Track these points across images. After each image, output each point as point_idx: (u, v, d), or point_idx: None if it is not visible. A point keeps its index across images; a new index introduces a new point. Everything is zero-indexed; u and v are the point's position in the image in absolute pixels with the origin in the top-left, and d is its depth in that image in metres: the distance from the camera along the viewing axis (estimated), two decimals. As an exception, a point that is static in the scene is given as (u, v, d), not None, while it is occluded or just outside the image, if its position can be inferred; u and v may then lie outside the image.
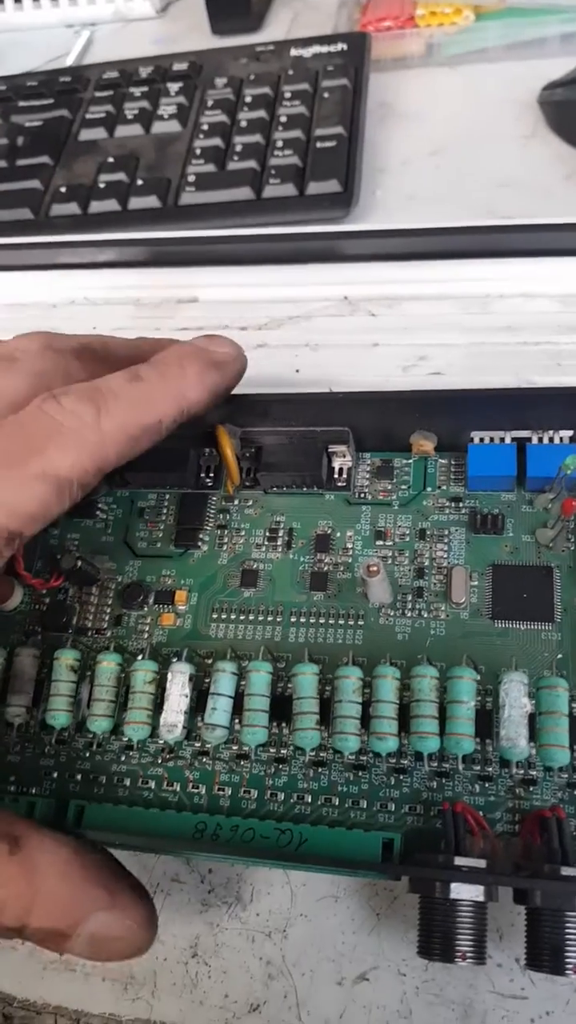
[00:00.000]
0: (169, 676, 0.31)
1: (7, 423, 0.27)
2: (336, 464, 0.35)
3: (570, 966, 0.26)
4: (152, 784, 0.31)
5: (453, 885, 0.26)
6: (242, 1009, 0.30)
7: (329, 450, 0.35)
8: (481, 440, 0.34)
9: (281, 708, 0.31)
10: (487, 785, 0.30)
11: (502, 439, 0.33)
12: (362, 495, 0.35)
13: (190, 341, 0.32)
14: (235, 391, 0.35)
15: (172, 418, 0.30)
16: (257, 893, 0.32)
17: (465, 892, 0.26)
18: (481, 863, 0.27)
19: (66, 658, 0.32)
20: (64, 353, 0.31)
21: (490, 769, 0.30)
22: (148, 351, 0.32)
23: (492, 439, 0.34)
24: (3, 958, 0.32)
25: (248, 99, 0.55)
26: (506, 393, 0.34)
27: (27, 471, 0.26)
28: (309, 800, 0.30)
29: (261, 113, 0.54)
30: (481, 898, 0.26)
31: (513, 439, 0.33)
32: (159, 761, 0.32)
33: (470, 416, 0.34)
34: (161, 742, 0.31)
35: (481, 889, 0.26)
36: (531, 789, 0.29)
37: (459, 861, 0.27)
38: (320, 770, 0.31)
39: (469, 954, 0.26)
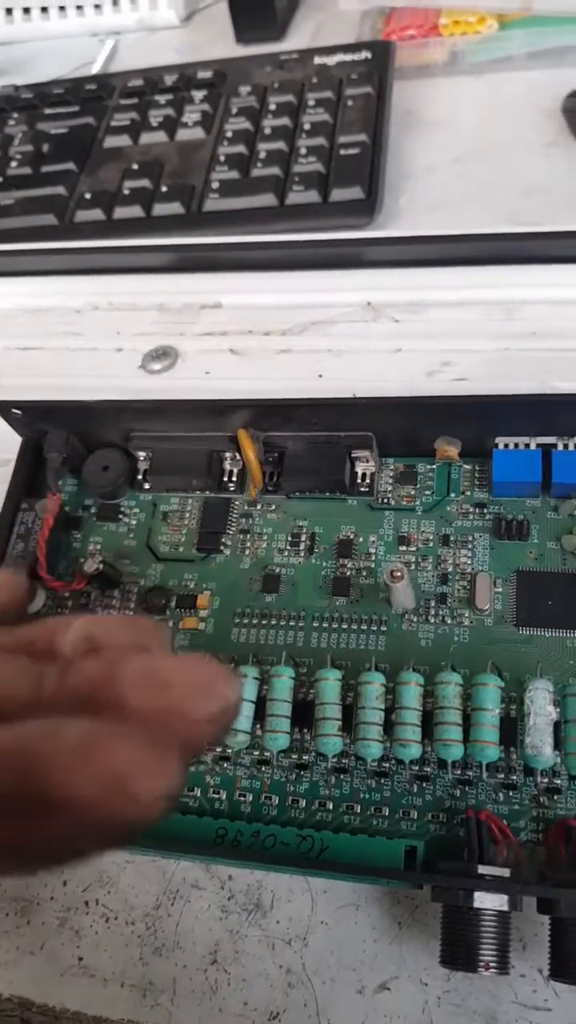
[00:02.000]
0: (191, 680, 0.31)
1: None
2: (359, 469, 0.35)
3: (596, 977, 0.25)
4: (173, 788, 0.31)
5: (476, 894, 0.26)
6: (262, 1017, 0.30)
7: (352, 455, 0.35)
8: (506, 446, 0.34)
9: (303, 713, 0.31)
10: (511, 793, 0.29)
11: (527, 445, 0.33)
12: (385, 500, 0.35)
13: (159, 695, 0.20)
14: (259, 396, 0.35)
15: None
16: (277, 900, 0.31)
17: (489, 901, 0.26)
18: (505, 872, 0.27)
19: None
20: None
21: (514, 777, 0.29)
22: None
23: (517, 445, 0.33)
24: (23, 963, 0.32)
25: (272, 106, 0.56)
26: (532, 399, 0.33)
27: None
28: (331, 807, 0.30)
29: (285, 120, 0.54)
30: (505, 907, 0.26)
31: (538, 445, 0.33)
32: (180, 765, 0.32)
33: (495, 422, 0.33)
34: (182, 746, 0.31)
35: (505, 898, 0.26)
36: (556, 798, 0.29)
37: (483, 870, 0.26)
38: (342, 777, 0.30)
39: (492, 964, 0.26)
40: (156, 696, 0.19)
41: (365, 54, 0.57)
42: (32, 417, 0.37)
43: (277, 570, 0.35)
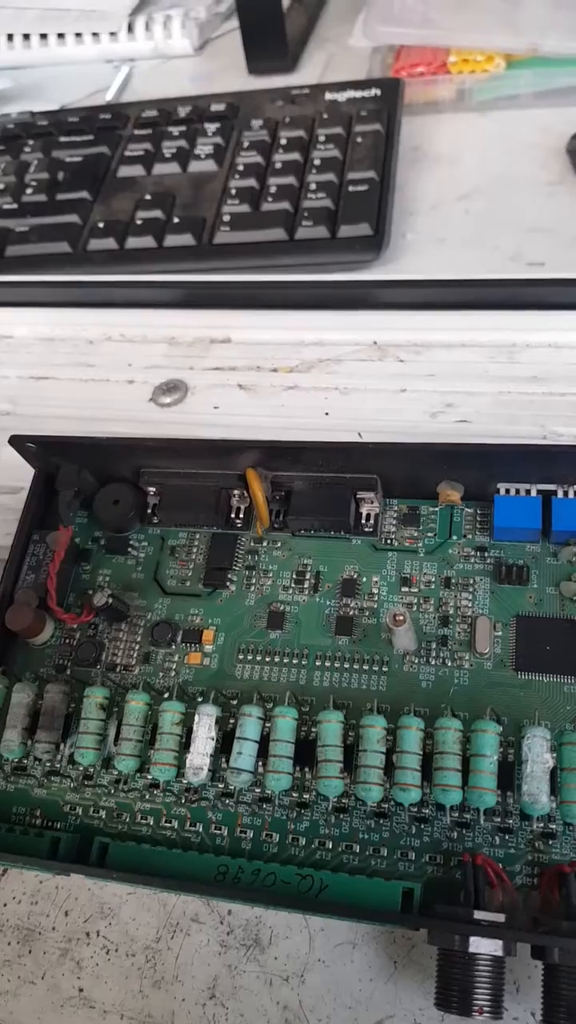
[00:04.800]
0: (196, 718, 0.31)
1: None
2: (364, 510, 0.36)
3: (587, 1025, 0.26)
4: (175, 824, 0.32)
5: (472, 939, 0.27)
6: (258, 1052, 0.30)
7: (357, 496, 0.36)
8: (507, 491, 0.34)
9: (305, 752, 0.31)
10: (507, 837, 0.30)
11: (528, 491, 0.34)
12: (389, 541, 0.36)
13: None
14: (267, 432, 0.35)
15: None
16: (276, 936, 0.32)
17: (484, 946, 0.27)
18: (500, 917, 0.27)
19: (96, 696, 0.33)
20: None
21: (511, 821, 0.30)
22: None
23: (518, 491, 0.34)
24: (23, 992, 0.32)
25: (283, 141, 0.57)
26: (533, 448, 0.34)
27: None
28: (330, 846, 0.31)
29: (295, 155, 0.55)
30: (499, 952, 0.27)
31: (539, 492, 0.34)
32: (183, 801, 0.32)
33: (497, 468, 0.34)
34: (186, 781, 0.32)
35: (499, 944, 0.27)
36: (551, 843, 0.29)
37: (478, 915, 0.27)
38: (342, 816, 0.31)
39: (486, 1008, 0.27)
40: None
41: (375, 91, 0.59)
42: (46, 451, 0.37)
43: (282, 607, 0.35)
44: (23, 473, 0.39)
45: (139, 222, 0.55)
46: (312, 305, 0.45)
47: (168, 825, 0.32)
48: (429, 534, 0.36)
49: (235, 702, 0.33)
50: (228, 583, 0.36)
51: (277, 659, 0.34)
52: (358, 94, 0.59)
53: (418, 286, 0.43)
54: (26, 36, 0.75)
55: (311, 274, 0.48)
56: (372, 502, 0.36)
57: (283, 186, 0.54)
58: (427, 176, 0.57)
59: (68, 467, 0.37)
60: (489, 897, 0.29)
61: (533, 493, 0.34)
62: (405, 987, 0.30)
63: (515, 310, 0.42)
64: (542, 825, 0.30)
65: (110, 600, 0.35)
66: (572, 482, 0.33)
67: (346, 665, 0.34)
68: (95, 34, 0.73)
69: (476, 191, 0.56)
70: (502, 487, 0.34)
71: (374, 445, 0.34)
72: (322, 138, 0.56)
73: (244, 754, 0.31)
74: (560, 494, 0.34)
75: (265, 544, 0.37)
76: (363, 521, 0.36)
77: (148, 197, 0.56)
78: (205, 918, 0.33)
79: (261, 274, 0.49)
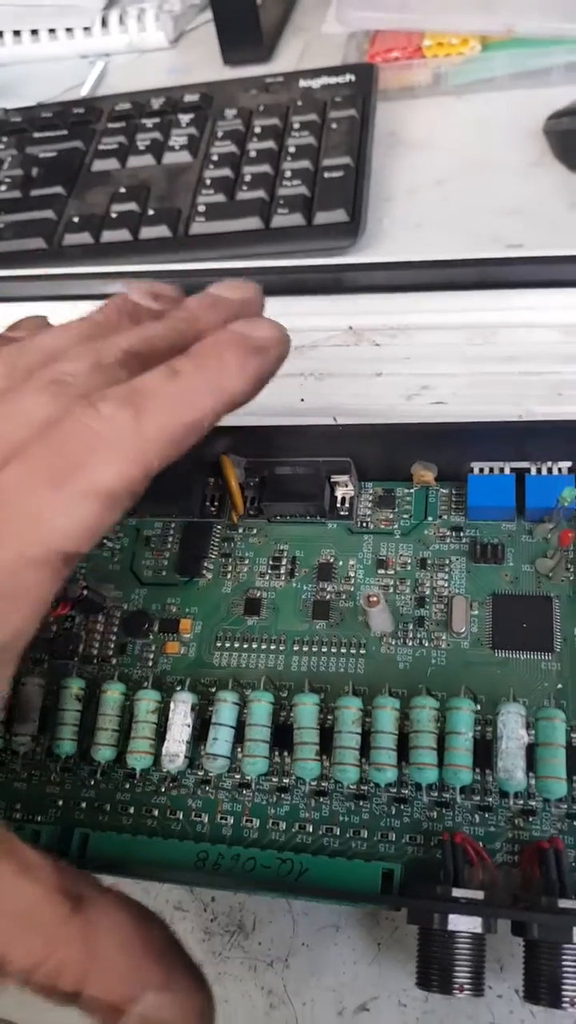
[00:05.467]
0: (172, 706, 0.31)
1: (49, 439, 0.25)
2: (339, 493, 0.36)
3: (567, 999, 0.26)
4: (155, 812, 0.32)
5: (451, 917, 0.26)
6: (243, 1038, 0.30)
7: (332, 480, 0.36)
8: (481, 471, 0.34)
9: (283, 736, 0.31)
10: (487, 815, 0.30)
11: (502, 469, 0.34)
12: (364, 524, 0.36)
13: (228, 328, 0.29)
14: (239, 422, 0.35)
15: (215, 412, 0.28)
16: (259, 922, 0.32)
17: (463, 924, 0.26)
18: (479, 895, 0.27)
19: (72, 687, 0.33)
20: (112, 367, 0.28)
21: (489, 799, 0.30)
22: (191, 336, 0.29)
23: (492, 470, 0.34)
24: (8, 986, 0.32)
25: (257, 129, 0.56)
26: (506, 425, 0.34)
27: (74, 489, 0.25)
28: (310, 829, 0.31)
29: (270, 143, 0.55)
30: (479, 930, 0.27)
31: (512, 470, 0.34)
32: (162, 790, 0.32)
33: (470, 447, 0.34)
34: (164, 771, 0.32)
35: (479, 921, 0.27)
36: (530, 820, 0.29)
37: (457, 893, 0.27)
38: (321, 800, 0.31)
39: (467, 986, 0.26)
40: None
41: (349, 77, 0.58)
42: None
43: (259, 594, 0.35)
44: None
45: (114, 215, 0.54)
46: (286, 291, 0.45)
47: (148, 814, 0.32)
48: (404, 516, 0.36)
49: (213, 689, 0.33)
50: (204, 571, 0.36)
51: (255, 645, 0.34)
52: (332, 80, 0.58)
53: (393, 268, 0.43)
54: None
55: (288, 261, 0.48)
56: (347, 485, 0.36)
57: (258, 175, 0.54)
58: (403, 161, 0.57)
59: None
60: (469, 875, 0.28)
61: (507, 471, 0.34)
62: (389, 968, 0.30)
63: (491, 289, 0.42)
64: (521, 803, 0.30)
65: (85, 591, 0.35)
66: (545, 459, 0.33)
67: (324, 649, 0.34)
68: (69, 29, 0.73)
69: (453, 175, 0.55)
70: (476, 466, 0.34)
71: (345, 427, 0.34)
72: (296, 125, 0.56)
73: (220, 739, 0.30)
74: (534, 471, 0.33)
75: (240, 531, 0.37)
76: (338, 505, 0.36)
77: (123, 190, 0.56)
78: (188, 905, 0.32)
79: (237, 263, 0.48)
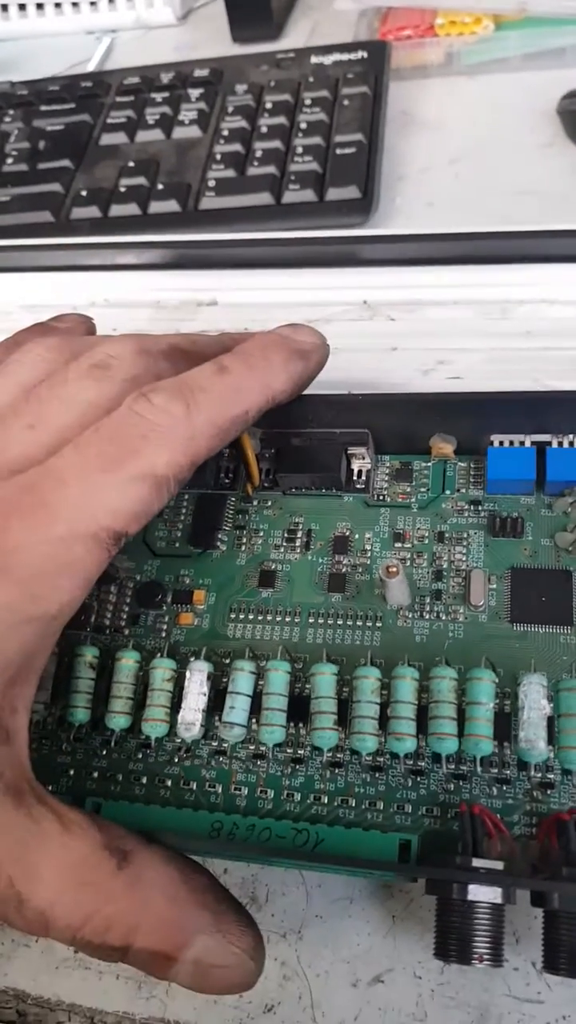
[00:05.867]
0: (187, 674, 0.31)
1: (103, 427, 0.27)
2: (355, 466, 0.36)
3: (588, 969, 0.25)
4: (168, 783, 0.31)
5: (471, 887, 0.26)
6: (256, 1009, 0.30)
7: (348, 452, 0.35)
8: (501, 443, 0.34)
9: (299, 709, 0.31)
10: (505, 788, 0.29)
11: (522, 442, 0.34)
12: (381, 497, 0.35)
13: (274, 330, 0.32)
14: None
15: (258, 407, 0.30)
16: (272, 894, 0.32)
17: (482, 894, 0.26)
18: (499, 865, 0.27)
19: (86, 655, 0.32)
20: (155, 355, 0.31)
21: (508, 772, 0.30)
22: (233, 345, 0.32)
23: (512, 442, 0.34)
24: (18, 955, 0.32)
25: (268, 105, 0.56)
26: (526, 396, 0.34)
27: (126, 473, 0.27)
28: (326, 801, 0.30)
29: (281, 119, 0.55)
30: (499, 900, 0.26)
31: (533, 443, 0.33)
32: (176, 760, 0.32)
33: (490, 419, 0.34)
34: (178, 741, 0.31)
35: (499, 891, 0.26)
36: (549, 792, 0.29)
37: (476, 863, 0.27)
38: (337, 771, 0.31)
39: (486, 956, 0.26)
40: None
41: (361, 54, 0.58)
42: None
43: (273, 566, 0.35)
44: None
45: (123, 189, 0.54)
46: (300, 264, 0.45)
47: (161, 784, 0.31)
48: (422, 489, 0.35)
49: (227, 661, 0.33)
50: (218, 543, 0.36)
51: (269, 617, 0.34)
52: (344, 57, 0.58)
53: (408, 240, 0.43)
54: (4, 7, 0.74)
55: (302, 232, 0.48)
56: (364, 458, 0.35)
57: (269, 150, 0.53)
58: (416, 140, 0.57)
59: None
60: (487, 847, 0.28)
61: (527, 444, 0.34)
62: (404, 941, 0.30)
63: (508, 264, 0.41)
64: (540, 775, 0.29)
65: (98, 561, 0.34)
66: (566, 431, 0.33)
67: (339, 622, 0.33)
68: (75, 4, 0.72)
69: (466, 155, 0.55)
70: (495, 439, 0.34)
71: (364, 397, 0.34)
72: (308, 101, 0.55)
73: (237, 708, 0.30)
74: (555, 444, 0.33)
75: (255, 503, 0.36)
76: (355, 478, 0.36)
77: (131, 164, 0.55)
78: (200, 878, 0.32)
79: (248, 234, 0.48)
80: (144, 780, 0.32)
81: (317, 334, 0.33)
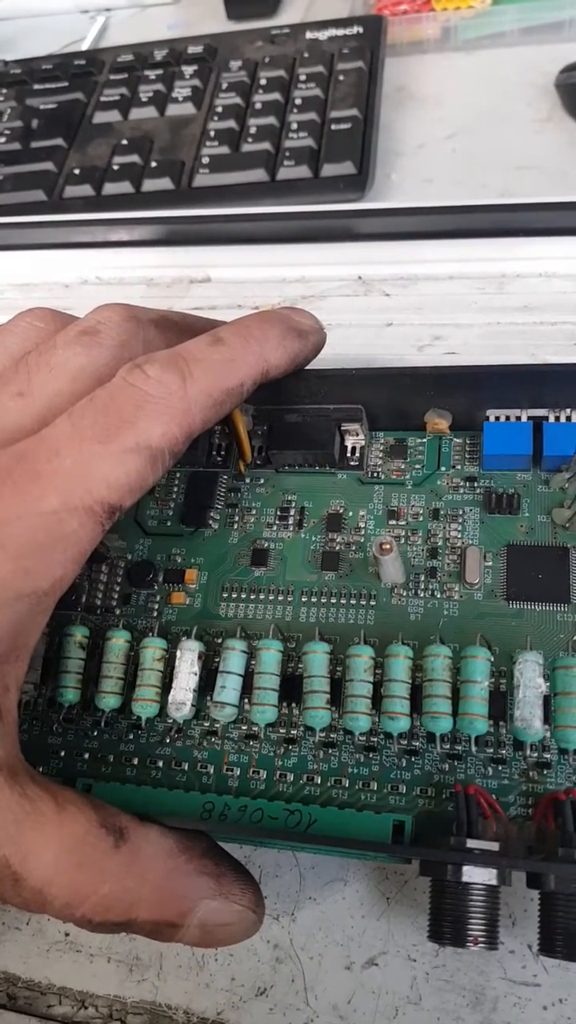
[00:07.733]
0: (178, 654, 0.30)
1: (96, 398, 0.27)
2: (349, 443, 0.35)
3: (584, 951, 0.25)
4: (160, 764, 0.31)
5: (465, 868, 0.26)
6: (249, 992, 0.30)
7: (342, 428, 0.35)
8: (497, 418, 0.33)
9: (291, 688, 0.30)
10: (500, 768, 0.29)
11: (518, 417, 0.33)
12: (375, 474, 0.35)
13: (272, 309, 0.32)
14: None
15: (253, 380, 0.30)
16: (265, 876, 0.31)
17: (477, 875, 0.26)
18: (494, 846, 0.26)
19: (76, 634, 0.32)
20: (144, 323, 0.30)
21: (503, 752, 0.29)
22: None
23: (508, 417, 0.33)
24: (8, 938, 0.32)
25: (263, 82, 0.55)
26: (522, 369, 0.33)
27: (121, 444, 0.26)
28: (319, 781, 0.30)
29: (276, 96, 0.54)
30: (494, 882, 0.26)
31: (529, 417, 0.33)
32: (167, 741, 0.31)
33: (486, 393, 0.33)
34: (169, 721, 0.31)
35: (494, 872, 0.26)
36: (545, 772, 0.29)
37: (471, 844, 0.26)
38: (330, 751, 0.30)
39: (481, 939, 0.26)
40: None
41: (357, 29, 0.57)
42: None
43: (266, 544, 0.34)
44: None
45: (116, 167, 0.53)
46: (294, 239, 0.44)
47: (153, 765, 0.31)
48: (417, 466, 0.35)
49: (219, 640, 0.32)
50: (210, 522, 0.35)
51: (262, 596, 0.33)
52: (339, 32, 0.57)
53: (404, 214, 0.42)
54: (-2, -15, 0.73)
55: (296, 207, 0.47)
56: (357, 434, 0.35)
57: (263, 127, 0.52)
58: (412, 116, 0.56)
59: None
60: (482, 828, 0.28)
61: (524, 419, 0.33)
62: (398, 923, 0.30)
63: (504, 237, 0.41)
64: (536, 754, 0.29)
65: (88, 540, 0.33)
66: (563, 405, 0.32)
67: (332, 600, 0.33)
68: (69, -18, 0.71)
69: (463, 130, 0.54)
70: (492, 414, 0.33)
71: (357, 371, 0.33)
72: (303, 77, 0.54)
73: (228, 687, 0.30)
74: (551, 419, 0.32)
75: (248, 481, 0.36)
76: (348, 455, 0.35)
77: (125, 142, 0.55)
78: (192, 860, 0.32)
79: (242, 209, 0.47)
80: (135, 761, 0.31)
81: (315, 318, 0.33)
